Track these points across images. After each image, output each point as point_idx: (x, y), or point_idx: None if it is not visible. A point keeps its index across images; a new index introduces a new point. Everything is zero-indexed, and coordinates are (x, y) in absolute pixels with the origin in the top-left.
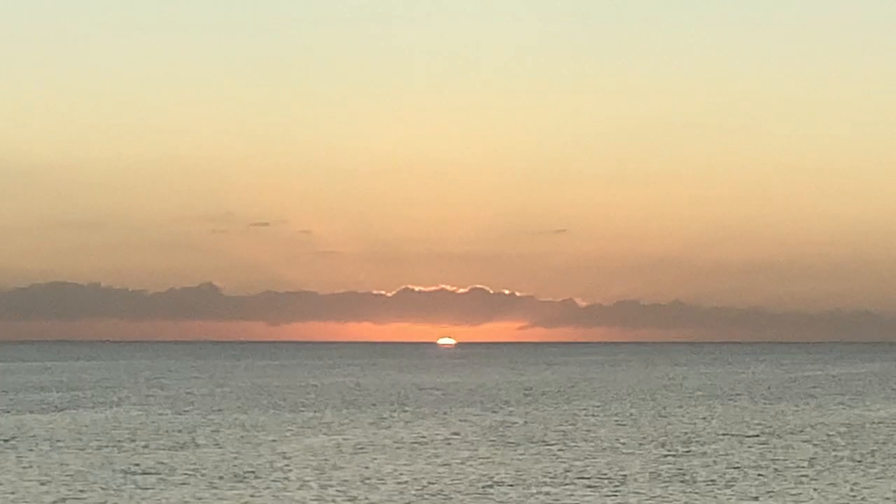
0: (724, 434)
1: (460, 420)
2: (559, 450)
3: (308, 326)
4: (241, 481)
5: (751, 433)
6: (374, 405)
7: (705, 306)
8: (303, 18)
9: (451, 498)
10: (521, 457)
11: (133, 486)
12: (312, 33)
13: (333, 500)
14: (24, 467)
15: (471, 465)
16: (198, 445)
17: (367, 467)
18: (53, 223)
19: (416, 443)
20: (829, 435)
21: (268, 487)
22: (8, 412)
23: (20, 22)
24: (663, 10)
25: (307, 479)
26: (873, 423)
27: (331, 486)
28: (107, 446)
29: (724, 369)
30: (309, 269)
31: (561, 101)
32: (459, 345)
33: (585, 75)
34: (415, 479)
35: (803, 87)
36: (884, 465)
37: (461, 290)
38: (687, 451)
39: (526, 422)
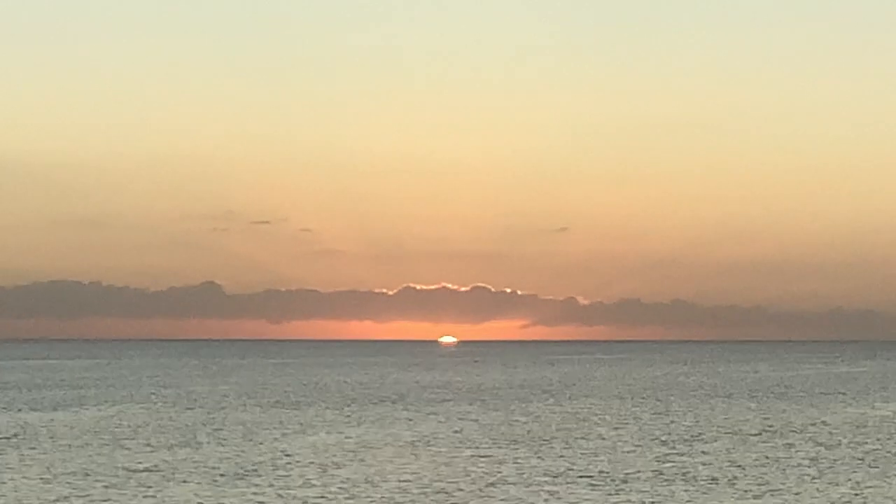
0: (726, 432)
1: (462, 418)
2: (561, 448)
3: (309, 324)
4: (242, 479)
5: (753, 432)
6: (375, 403)
7: (706, 305)
8: (303, 19)
9: (453, 496)
10: (522, 455)
11: (135, 484)
12: (312, 33)
13: (336, 498)
14: (26, 465)
15: (472, 464)
16: (200, 443)
17: (368, 465)
18: (55, 222)
19: (417, 441)
20: (831, 433)
21: (270, 485)
22: (9, 410)
23: (21, 22)
24: (663, 10)
25: (309, 477)
26: (875, 421)
27: (333, 484)
28: (109, 445)
29: (726, 368)
30: (310, 268)
31: (562, 101)
32: (461, 343)
33: (587, 75)
34: (417, 477)
35: (803, 87)
36: (886, 464)
37: (463, 289)
38: (689, 450)
39: (527, 420)
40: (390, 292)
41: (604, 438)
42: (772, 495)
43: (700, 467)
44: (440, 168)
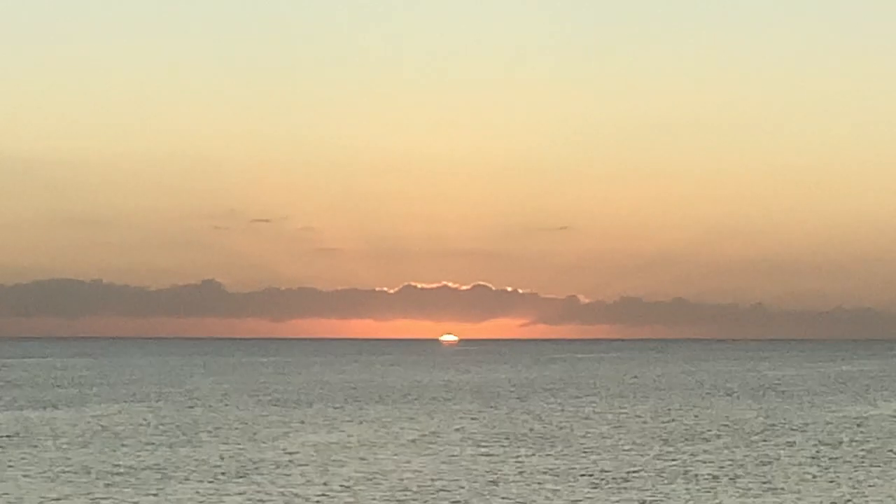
0: (726, 431)
1: (463, 417)
2: (562, 447)
3: (310, 323)
4: (243, 477)
5: (753, 430)
6: (376, 402)
7: (707, 304)
8: (303, 19)
9: (454, 494)
10: (523, 453)
11: (136, 483)
12: (313, 33)
13: (337, 497)
14: (27, 464)
15: (474, 462)
16: (201, 442)
17: (369, 464)
18: (56, 220)
19: (418, 439)
20: (832, 432)
21: (271, 483)
22: (10, 409)
23: (21, 22)
24: (663, 10)
25: (310, 475)
26: (875, 420)
27: (334, 482)
28: (110, 443)
29: (727, 366)
30: (311, 266)
31: (564, 100)
32: (462, 342)
33: (588, 74)
34: (418, 475)
35: (803, 87)
36: (887, 463)
37: (463, 287)
38: (690, 448)
39: (528, 418)
40: (391, 291)
41: (605, 437)
42: (772, 494)
43: (701, 466)
44: (441, 167)
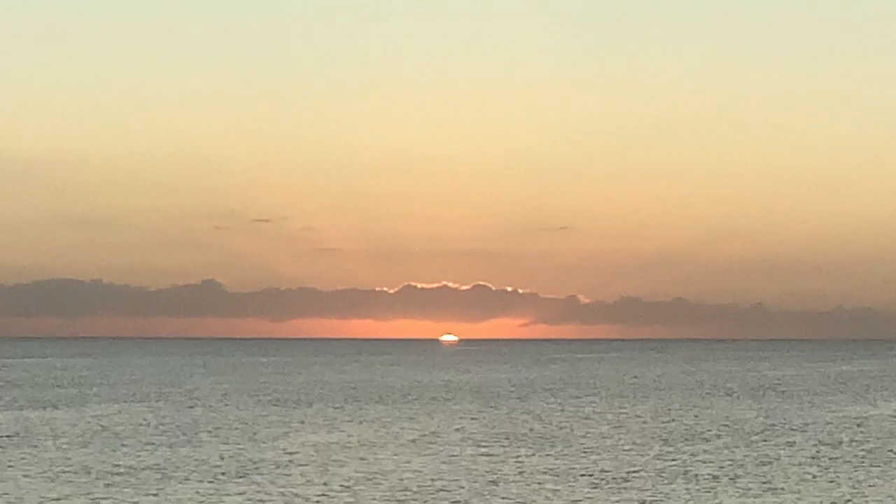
0: (726, 431)
1: (463, 417)
2: (562, 447)
3: (310, 323)
4: (243, 477)
5: (753, 430)
6: (376, 402)
7: (707, 304)
8: (303, 18)
9: (454, 494)
10: (523, 453)
11: (136, 483)
12: (313, 33)
13: (337, 497)
14: (27, 464)
15: (474, 462)
16: (201, 442)
17: (369, 464)
18: (56, 220)
19: (418, 439)
20: (832, 432)
21: (271, 483)
22: (10, 409)
23: (21, 22)
24: (663, 10)
25: (310, 475)
26: (876, 419)
27: (334, 482)
28: (110, 443)
29: (727, 366)
30: (311, 266)
31: (564, 100)
32: (462, 342)
33: (588, 74)
34: (418, 475)
35: (803, 87)
36: (887, 463)
37: (464, 287)
38: (690, 448)
39: (528, 418)
40: (391, 291)
41: (605, 437)
42: (772, 494)
43: (701, 466)
44: (441, 167)
